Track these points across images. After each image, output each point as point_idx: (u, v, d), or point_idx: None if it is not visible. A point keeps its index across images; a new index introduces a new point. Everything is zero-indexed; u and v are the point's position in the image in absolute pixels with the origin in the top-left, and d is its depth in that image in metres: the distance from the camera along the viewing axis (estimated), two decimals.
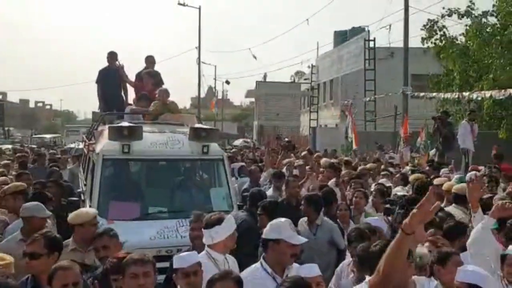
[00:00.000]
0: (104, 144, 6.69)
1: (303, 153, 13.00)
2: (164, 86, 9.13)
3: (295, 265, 3.70)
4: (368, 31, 25.72)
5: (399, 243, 2.55)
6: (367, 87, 24.33)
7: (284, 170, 9.23)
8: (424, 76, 20.62)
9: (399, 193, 7.12)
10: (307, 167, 9.75)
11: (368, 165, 10.21)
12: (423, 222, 2.54)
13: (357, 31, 28.44)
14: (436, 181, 7.19)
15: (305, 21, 31.00)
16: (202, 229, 4.10)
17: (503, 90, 11.13)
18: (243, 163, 11.25)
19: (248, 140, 27.39)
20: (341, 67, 28.61)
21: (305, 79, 37.47)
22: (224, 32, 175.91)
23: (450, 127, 13.08)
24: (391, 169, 10.44)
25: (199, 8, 40.06)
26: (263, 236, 3.82)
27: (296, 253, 3.74)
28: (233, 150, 17.14)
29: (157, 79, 9.50)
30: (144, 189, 6.99)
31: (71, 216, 4.72)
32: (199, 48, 40.95)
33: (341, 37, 31.30)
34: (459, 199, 5.89)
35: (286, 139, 14.54)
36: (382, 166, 10.75)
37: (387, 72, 23.20)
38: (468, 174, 7.83)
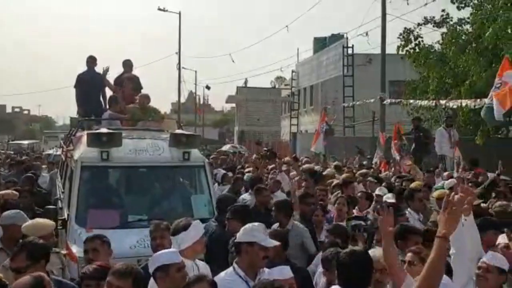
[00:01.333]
0: (83, 150, 6.58)
1: (285, 159, 13.08)
2: (143, 91, 9.10)
3: (266, 269, 3.76)
4: (347, 38, 26.05)
5: (439, 250, 2.86)
6: (346, 93, 24.62)
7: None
8: (402, 82, 20.94)
9: (389, 200, 7.15)
10: (291, 174, 9.88)
11: (361, 171, 10.26)
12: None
13: (336, 37, 28.75)
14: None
15: (285, 27, 31.20)
16: (170, 236, 4.13)
17: (478, 100, 11.44)
18: (225, 171, 11.28)
19: (237, 145, 27.30)
20: (321, 73, 28.90)
21: (285, 85, 37.72)
22: (205, 37, 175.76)
23: (426, 133, 13.34)
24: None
25: (179, 14, 40.05)
26: (236, 239, 3.88)
27: (268, 255, 3.84)
28: (213, 156, 17.08)
29: (136, 84, 9.45)
30: (123, 197, 6.88)
31: (27, 227, 4.57)
32: (179, 53, 40.94)
33: (320, 44, 31.64)
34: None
35: (265, 149, 14.61)
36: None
37: (366, 78, 23.47)
38: (447, 182, 7.91)
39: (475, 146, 14.48)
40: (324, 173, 9.93)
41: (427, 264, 2.88)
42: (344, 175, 9.20)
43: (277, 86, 51.26)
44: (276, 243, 3.94)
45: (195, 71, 52.39)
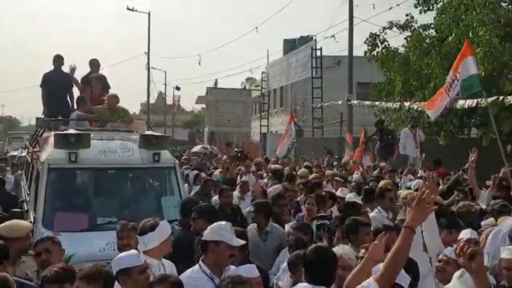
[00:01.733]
0: (50, 152, 6.49)
1: (255, 160, 13.19)
2: (112, 91, 9.05)
3: (232, 267, 3.85)
4: (315, 40, 26.37)
5: (405, 239, 3.03)
6: (315, 94, 24.93)
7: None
8: (370, 84, 21.35)
9: (350, 200, 7.28)
10: (264, 175, 9.99)
11: (328, 172, 10.38)
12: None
13: (306, 39, 29.08)
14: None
15: (254, 29, 31.35)
16: (137, 236, 4.16)
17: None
18: (197, 171, 11.29)
19: (207, 146, 27.11)
20: (290, 74, 29.18)
21: (256, 86, 37.89)
22: (175, 37, 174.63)
23: (391, 134, 13.69)
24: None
25: (149, 14, 39.77)
26: (203, 238, 3.94)
27: (234, 254, 3.93)
28: (185, 157, 17.04)
29: (105, 84, 9.38)
30: (92, 199, 6.81)
31: (3, 228, 4.49)
32: (148, 53, 40.69)
33: (290, 45, 31.91)
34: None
35: (236, 150, 14.66)
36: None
37: (334, 80, 23.83)
38: (414, 182, 8.01)
39: (439, 147, 14.91)
40: (299, 173, 10.03)
41: (392, 253, 3.03)
42: (312, 175, 9.33)
43: (247, 87, 51.33)
44: (243, 242, 4.01)
45: (165, 72, 52.21)
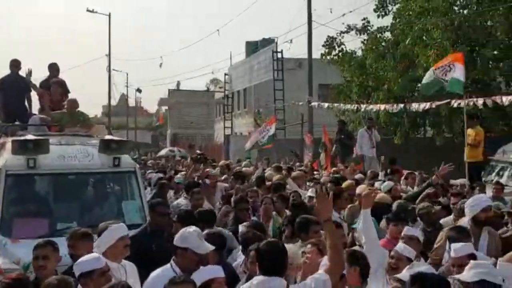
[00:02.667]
0: (7, 158, 6.35)
1: (220, 163, 13.28)
2: (71, 95, 8.95)
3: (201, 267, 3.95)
4: (276, 42, 26.68)
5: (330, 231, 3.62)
6: (277, 96, 25.21)
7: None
8: (330, 85, 21.84)
9: (311, 195, 7.44)
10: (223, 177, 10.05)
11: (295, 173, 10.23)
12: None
13: (268, 42, 29.31)
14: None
15: (216, 31, 31.47)
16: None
17: (395, 105, 12.42)
18: (160, 174, 11.22)
19: (174, 149, 26.89)
20: (253, 76, 29.38)
21: (220, 87, 37.97)
22: (136, 39, 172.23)
23: (349, 134, 14.11)
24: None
25: (109, 15, 39.28)
26: (174, 242, 4.09)
27: (202, 260, 4.04)
28: (150, 161, 16.96)
29: (65, 88, 9.28)
30: (52, 205, 6.70)
31: None
32: (109, 55, 40.22)
33: (252, 48, 32.14)
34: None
35: (198, 152, 14.74)
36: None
37: (296, 82, 24.21)
38: (385, 184, 8.11)
39: (395, 146, 15.45)
40: (266, 175, 10.02)
41: (329, 246, 3.58)
42: (277, 176, 9.32)
43: (212, 89, 51.31)
44: (211, 247, 4.13)
45: (127, 74, 51.49)
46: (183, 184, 9.11)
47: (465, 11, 15.56)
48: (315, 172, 11.75)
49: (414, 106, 11.80)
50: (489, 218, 5.19)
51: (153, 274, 4.02)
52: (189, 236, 4.04)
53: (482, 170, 11.11)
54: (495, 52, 14.98)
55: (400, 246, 4.36)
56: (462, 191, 7.89)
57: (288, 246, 3.97)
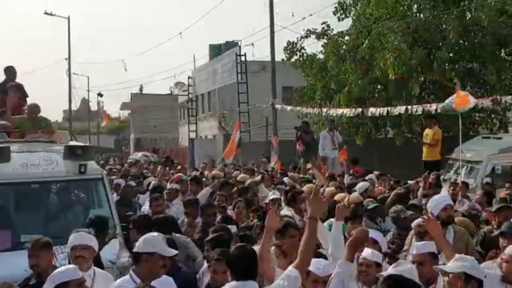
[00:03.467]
0: None
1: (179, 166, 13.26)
2: (30, 99, 8.67)
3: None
4: (239, 46, 26.81)
5: (310, 228, 3.68)
6: (241, 99, 25.31)
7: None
8: (294, 88, 22.14)
9: (273, 196, 7.48)
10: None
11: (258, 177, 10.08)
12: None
13: (231, 45, 29.42)
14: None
15: (178, 34, 31.40)
16: None
17: (353, 109, 12.84)
18: (132, 183, 11.00)
19: (148, 154, 26.28)
20: (217, 79, 29.41)
21: (184, 90, 37.75)
22: (97, 42, 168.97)
23: (311, 135, 14.40)
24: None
25: (68, 18, 38.60)
26: (135, 249, 4.06)
27: (166, 264, 4.11)
28: (111, 164, 16.70)
29: (23, 93, 9.05)
30: (14, 216, 6.43)
31: None
32: (69, 59, 39.51)
33: (216, 51, 32.17)
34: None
35: (165, 156, 14.67)
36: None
37: (260, 85, 24.36)
38: (359, 185, 8.18)
39: (356, 146, 15.84)
40: (238, 178, 10.01)
41: (303, 241, 3.66)
42: (249, 180, 9.32)
43: (176, 92, 50.93)
44: (175, 252, 4.20)
45: (88, 77, 50.56)
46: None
47: (421, 15, 16.05)
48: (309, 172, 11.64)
49: (371, 110, 12.26)
50: (450, 216, 5.19)
51: (112, 286, 3.98)
52: (155, 240, 4.05)
53: (439, 169, 11.54)
54: (451, 55, 15.57)
55: (368, 252, 4.34)
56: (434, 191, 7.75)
57: (256, 248, 4.02)
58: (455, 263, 3.58)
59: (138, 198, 9.62)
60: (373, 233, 4.85)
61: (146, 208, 7.93)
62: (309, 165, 11.52)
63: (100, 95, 45.68)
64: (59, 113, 67.69)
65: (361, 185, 8.06)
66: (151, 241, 4.03)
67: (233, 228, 5.71)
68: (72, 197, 7.06)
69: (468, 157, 11.90)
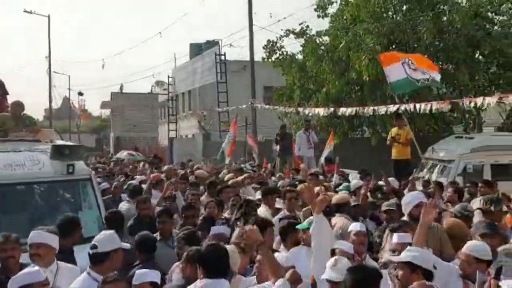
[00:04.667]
0: None
1: (165, 167, 13.21)
2: (14, 97, 8.47)
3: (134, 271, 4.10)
4: (219, 45, 26.88)
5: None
6: (220, 98, 25.38)
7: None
8: (274, 88, 22.29)
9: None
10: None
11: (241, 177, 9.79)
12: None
13: (212, 44, 29.48)
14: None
15: (158, 34, 31.29)
16: None
17: (327, 108, 13.30)
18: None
19: (134, 153, 25.89)
20: (197, 79, 29.43)
21: (164, 89, 37.63)
22: (79, 41, 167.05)
23: (289, 136, 14.60)
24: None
25: (48, 17, 38.24)
26: (100, 250, 4.03)
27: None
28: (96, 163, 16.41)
29: (3, 90, 8.91)
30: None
31: None
32: (49, 57, 39.20)
33: (196, 50, 32.17)
34: (340, 208, 6.23)
35: (153, 155, 14.65)
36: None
37: (241, 84, 24.47)
38: (353, 183, 8.09)
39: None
40: (226, 177, 9.84)
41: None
42: (232, 180, 9.14)
43: (157, 91, 50.69)
44: (128, 245, 4.29)
45: (69, 76, 50.18)
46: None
47: (398, 17, 16.31)
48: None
49: (342, 110, 12.58)
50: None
51: (73, 286, 3.95)
52: (114, 236, 4.16)
53: (410, 167, 11.81)
54: (426, 56, 15.85)
55: (341, 243, 4.49)
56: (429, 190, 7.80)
57: (227, 248, 4.08)
58: (404, 253, 3.75)
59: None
60: (354, 226, 5.07)
61: (124, 206, 7.86)
62: (302, 166, 11.48)
63: (80, 94, 45.38)
64: (40, 112, 66.95)
65: (355, 183, 7.98)
66: (114, 238, 4.14)
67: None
68: (59, 199, 6.74)
69: (441, 156, 12.21)
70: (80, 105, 46.19)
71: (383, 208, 6.30)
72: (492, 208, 5.47)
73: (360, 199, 7.07)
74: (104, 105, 49.39)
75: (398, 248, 4.31)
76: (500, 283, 3.40)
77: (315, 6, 17.82)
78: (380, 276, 3.32)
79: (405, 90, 12.37)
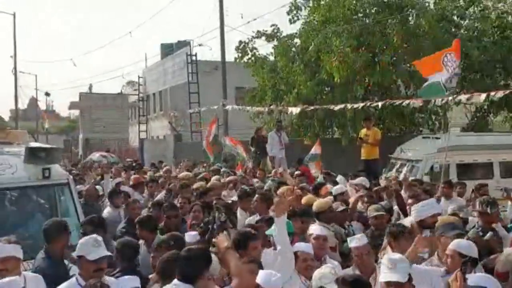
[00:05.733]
0: None
1: (164, 169, 13.07)
2: None
3: (111, 279, 3.97)
4: (190, 45, 26.79)
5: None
6: (192, 99, 25.28)
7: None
8: (245, 88, 22.34)
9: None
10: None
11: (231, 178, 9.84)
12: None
13: (183, 44, 29.36)
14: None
15: (128, 33, 31.08)
16: None
17: (305, 106, 13.21)
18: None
19: (105, 154, 25.27)
20: (168, 79, 29.28)
21: (135, 89, 37.25)
22: (46, 40, 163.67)
23: (263, 138, 14.69)
24: None
25: (14, 15, 37.39)
26: (75, 253, 4.10)
27: (99, 268, 3.97)
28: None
29: None
30: None
31: None
32: (14, 57, 38.37)
33: (167, 50, 31.98)
34: (320, 215, 6.05)
35: (129, 159, 14.41)
36: None
37: (213, 84, 24.37)
38: (336, 188, 7.99)
39: (305, 146, 16.22)
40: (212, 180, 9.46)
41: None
42: (210, 182, 8.97)
43: (128, 91, 50.09)
44: (105, 253, 4.03)
45: (36, 76, 49.15)
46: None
47: (368, 20, 16.59)
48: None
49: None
50: (434, 223, 5.16)
51: None
52: (83, 243, 4.06)
53: (378, 167, 12.06)
54: (394, 58, 16.20)
55: (301, 245, 4.49)
56: (419, 193, 7.60)
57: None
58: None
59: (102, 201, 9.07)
60: (316, 230, 5.03)
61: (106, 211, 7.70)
62: (280, 169, 11.48)
63: (47, 94, 44.57)
64: (6, 113, 65.32)
65: (337, 188, 7.88)
66: (80, 244, 4.06)
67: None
68: (34, 206, 6.31)
69: (409, 156, 12.52)
70: (47, 106, 45.33)
71: (372, 213, 6.30)
72: (489, 210, 5.47)
73: (351, 206, 7.01)
74: (72, 105, 48.58)
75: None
76: (467, 276, 3.49)
77: (287, 9, 18.02)
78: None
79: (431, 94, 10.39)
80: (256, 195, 6.69)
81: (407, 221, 5.62)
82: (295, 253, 4.36)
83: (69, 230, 4.90)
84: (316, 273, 4.02)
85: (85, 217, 6.03)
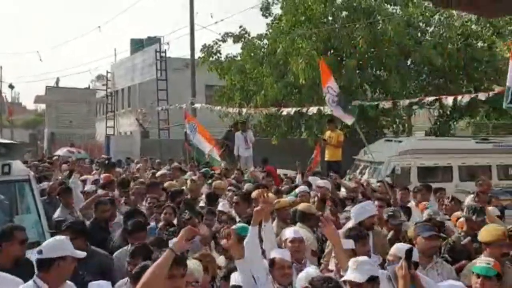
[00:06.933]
0: None
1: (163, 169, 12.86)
2: None
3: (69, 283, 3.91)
4: (160, 41, 26.61)
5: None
6: (160, 96, 25.10)
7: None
8: (215, 87, 22.36)
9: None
10: None
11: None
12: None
13: (154, 40, 29.15)
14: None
15: (97, 28, 30.55)
16: None
17: (271, 108, 13.26)
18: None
19: (73, 150, 24.38)
20: (137, 75, 28.99)
21: (103, 84, 36.72)
22: (11, 32, 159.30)
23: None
24: None
25: None
26: (46, 256, 3.81)
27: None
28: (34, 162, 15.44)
29: None
30: None
31: None
32: None
33: (137, 45, 31.66)
34: (304, 217, 6.03)
35: (104, 156, 14.07)
36: None
37: (183, 82, 24.30)
38: (298, 189, 8.05)
39: (271, 146, 16.41)
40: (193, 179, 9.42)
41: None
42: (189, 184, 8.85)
43: (96, 87, 49.31)
44: (83, 254, 4.00)
45: (0, 67, 47.74)
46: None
47: (336, 24, 16.84)
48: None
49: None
50: (373, 224, 5.52)
51: None
52: (65, 242, 3.93)
53: (341, 168, 12.30)
54: (360, 62, 16.50)
55: (278, 252, 4.38)
56: (385, 197, 7.75)
57: (191, 262, 3.99)
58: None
59: None
60: (290, 232, 4.94)
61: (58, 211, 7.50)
62: (252, 168, 11.50)
63: (11, 86, 43.43)
64: None
65: (299, 189, 7.87)
66: (62, 244, 3.90)
67: None
68: None
69: (372, 158, 12.79)
70: (13, 98, 44.17)
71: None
72: (474, 217, 5.57)
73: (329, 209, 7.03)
74: (38, 99, 47.40)
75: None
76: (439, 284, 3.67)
77: (257, 8, 18.14)
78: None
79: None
80: (235, 197, 6.75)
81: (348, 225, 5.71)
82: (272, 260, 4.25)
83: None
84: (303, 273, 4.06)
85: (46, 215, 5.97)
